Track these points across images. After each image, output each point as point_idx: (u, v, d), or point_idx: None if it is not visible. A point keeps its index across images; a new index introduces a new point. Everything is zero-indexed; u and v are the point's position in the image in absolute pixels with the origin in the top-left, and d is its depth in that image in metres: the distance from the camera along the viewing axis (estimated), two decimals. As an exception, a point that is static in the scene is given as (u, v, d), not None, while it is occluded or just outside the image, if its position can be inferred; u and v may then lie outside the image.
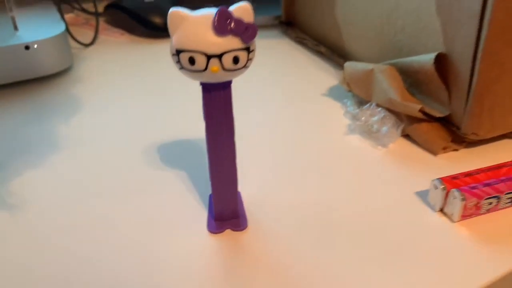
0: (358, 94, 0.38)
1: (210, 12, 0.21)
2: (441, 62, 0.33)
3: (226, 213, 0.27)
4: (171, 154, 0.34)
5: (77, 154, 0.35)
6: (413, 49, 0.36)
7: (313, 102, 0.41)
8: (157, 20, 0.56)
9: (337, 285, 0.24)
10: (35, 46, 0.44)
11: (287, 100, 0.42)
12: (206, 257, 0.26)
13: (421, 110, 0.33)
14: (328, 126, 0.38)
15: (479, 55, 0.29)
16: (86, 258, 0.26)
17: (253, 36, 0.22)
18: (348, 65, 0.39)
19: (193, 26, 0.21)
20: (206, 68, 0.22)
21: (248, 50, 0.22)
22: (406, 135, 0.35)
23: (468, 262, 0.25)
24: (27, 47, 0.43)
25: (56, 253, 0.26)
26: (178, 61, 0.22)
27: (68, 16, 0.62)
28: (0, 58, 0.43)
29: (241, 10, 0.22)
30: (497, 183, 0.27)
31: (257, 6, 0.64)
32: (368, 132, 0.35)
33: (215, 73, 0.22)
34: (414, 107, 0.33)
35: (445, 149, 0.33)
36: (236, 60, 0.22)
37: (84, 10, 0.62)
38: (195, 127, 0.36)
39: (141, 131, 0.37)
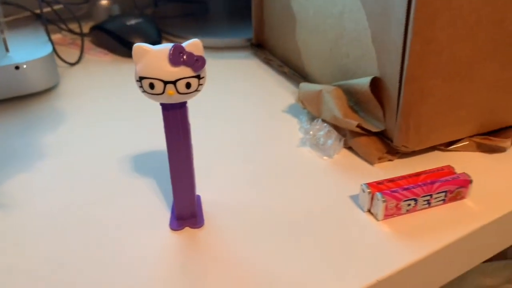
0: (311, 111, 0.44)
1: (167, 46, 0.26)
2: (377, 84, 0.38)
3: (185, 213, 0.32)
4: (143, 162, 0.39)
5: (60, 162, 0.39)
6: (355, 72, 0.41)
7: (273, 117, 0.46)
8: (137, 41, 0.60)
9: (280, 274, 0.28)
10: (25, 66, 0.48)
11: (251, 114, 0.47)
12: (167, 250, 0.30)
13: (358, 126, 0.38)
14: (284, 138, 0.43)
15: (403, 80, 0.35)
16: (63, 252, 0.30)
17: (202, 66, 0.27)
18: (302, 85, 0.45)
19: (153, 58, 0.26)
20: (163, 92, 0.27)
21: (198, 77, 0.27)
22: (349, 147, 0.40)
23: (385, 252, 0.30)
24: (17, 67, 0.48)
25: (36, 247, 0.30)
26: (141, 86, 0.27)
27: (55, 37, 0.66)
28: (-8, 77, 0.48)
29: (193, 45, 0.27)
30: (415, 188, 0.32)
31: (231, 29, 0.69)
32: (317, 145, 0.40)
33: (171, 96, 0.27)
34: (352, 123, 0.38)
35: (380, 159, 0.38)
36: (188, 85, 0.27)
37: (70, 31, 0.67)
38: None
39: (118, 142, 0.42)
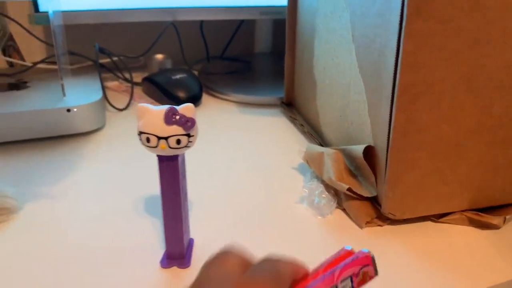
0: (314, 171, 0.46)
1: (163, 108, 0.31)
2: (370, 152, 0.41)
3: (174, 254, 0.36)
4: (152, 204, 0.44)
5: (82, 192, 0.45)
6: (357, 139, 0.44)
7: (282, 172, 0.50)
8: (181, 94, 0.67)
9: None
10: (75, 109, 0.56)
11: (262, 166, 0.51)
12: (152, 284, 0.34)
13: (349, 190, 0.40)
14: (286, 193, 0.46)
15: (389, 151, 0.37)
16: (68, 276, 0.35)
17: (191, 126, 0.31)
18: (308, 147, 0.48)
19: (151, 116, 0.31)
20: (157, 146, 0.31)
21: (188, 135, 0.32)
22: (344, 209, 0.43)
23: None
24: (68, 110, 0.56)
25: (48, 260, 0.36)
26: (140, 139, 0.32)
27: (112, 84, 0.75)
28: (47, 117, 0.55)
29: (185, 109, 0.31)
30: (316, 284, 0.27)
31: (268, 88, 0.73)
32: (312, 203, 0.43)
33: (163, 149, 0.31)
34: (343, 186, 0.41)
35: (368, 223, 0.40)
36: (178, 141, 0.31)
37: (126, 80, 0.75)
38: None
39: (136, 183, 0.47)
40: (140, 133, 0.32)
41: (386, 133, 0.37)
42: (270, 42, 0.89)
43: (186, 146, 0.32)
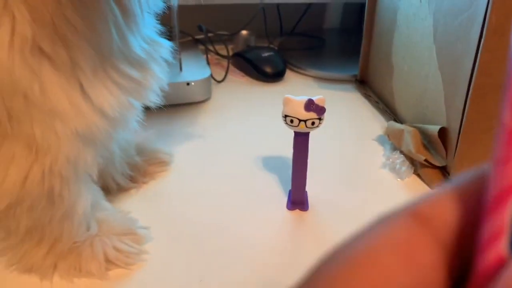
0: (394, 143, 0.59)
1: (304, 99, 0.44)
2: (443, 132, 0.52)
3: (297, 200, 0.50)
4: (273, 164, 0.57)
5: (209, 150, 0.59)
6: (431, 120, 0.56)
7: (365, 144, 0.62)
8: (268, 70, 0.80)
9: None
10: (193, 83, 0.69)
11: (346, 138, 0.63)
12: (283, 222, 0.48)
13: (425, 160, 0.53)
14: (370, 161, 0.58)
15: (461, 133, 0.49)
16: (210, 218, 0.49)
17: (323, 113, 0.44)
18: (389, 123, 0.60)
19: (294, 104, 0.44)
20: (298, 125, 0.44)
21: (320, 119, 0.44)
22: (418, 174, 0.55)
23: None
24: (188, 84, 0.69)
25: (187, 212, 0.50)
26: (285, 120, 0.45)
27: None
28: (171, 89, 0.69)
29: (319, 100, 0.44)
30: None
31: (340, 64, 0.85)
32: (393, 169, 0.55)
33: (302, 128, 0.44)
34: (421, 157, 0.53)
35: (438, 185, 0.53)
36: (313, 123, 0.44)
37: (218, 54, 0.88)
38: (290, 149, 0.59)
39: (254, 145, 0.61)
40: (286, 116, 0.45)
41: (459, 119, 0.49)
42: (339, 18, 0.99)
43: (317, 126, 0.45)
